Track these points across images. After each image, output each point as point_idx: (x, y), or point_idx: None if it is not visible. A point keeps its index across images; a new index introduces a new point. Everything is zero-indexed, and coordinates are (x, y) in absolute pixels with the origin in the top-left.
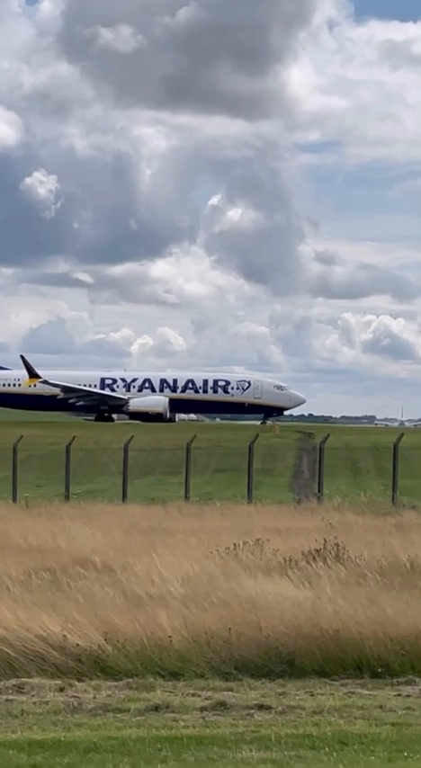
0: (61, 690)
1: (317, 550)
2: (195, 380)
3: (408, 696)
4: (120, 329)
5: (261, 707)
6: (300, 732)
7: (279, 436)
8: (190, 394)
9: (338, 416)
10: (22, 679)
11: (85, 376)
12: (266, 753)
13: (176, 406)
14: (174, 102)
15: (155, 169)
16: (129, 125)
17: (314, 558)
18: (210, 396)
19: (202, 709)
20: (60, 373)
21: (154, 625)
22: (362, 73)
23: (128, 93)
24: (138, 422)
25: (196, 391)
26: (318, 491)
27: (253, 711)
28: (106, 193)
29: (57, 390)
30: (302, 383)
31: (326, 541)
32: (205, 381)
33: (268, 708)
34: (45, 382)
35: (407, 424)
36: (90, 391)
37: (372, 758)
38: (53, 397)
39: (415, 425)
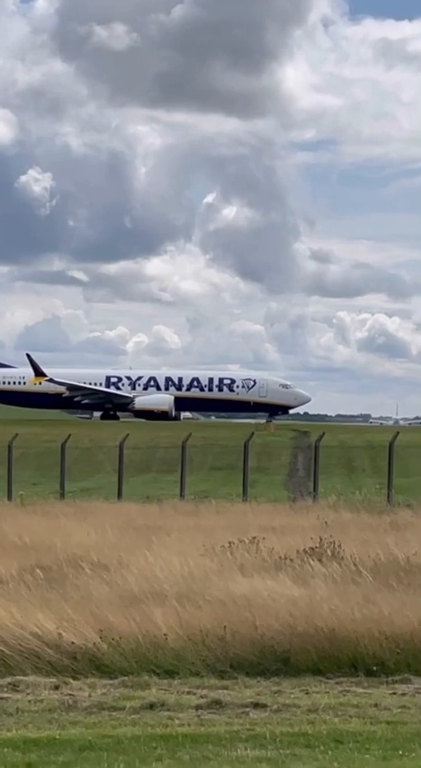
0: (56, 688)
1: (313, 549)
2: (200, 379)
3: (404, 694)
4: (115, 327)
5: (256, 705)
6: (295, 730)
7: (274, 434)
8: (195, 392)
9: (333, 415)
10: (17, 677)
11: (90, 374)
12: (261, 751)
13: (181, 404)
14: (169, 100)
15: (150, 167)
16: (123, 123)
17: (309, 557)
18: (215, 394)
19: (198, 707)
20: (65, 371)
21: (149, 623)
22: (358, 71)
23: (122, 91)
24: (143, 420)
25: (201, 390)
26: (314, 489)
27: (248, 710)
28: (101, 191)
29: (62, 388)
30: (297, 381)
31: (321, 540)
32: (210, 380)
33: (263, 706)
34: (51, 380)
35: (401, 422)
36: (95, 389)
37: (367, 756)
38: (58, 395)
39: (410, 424)
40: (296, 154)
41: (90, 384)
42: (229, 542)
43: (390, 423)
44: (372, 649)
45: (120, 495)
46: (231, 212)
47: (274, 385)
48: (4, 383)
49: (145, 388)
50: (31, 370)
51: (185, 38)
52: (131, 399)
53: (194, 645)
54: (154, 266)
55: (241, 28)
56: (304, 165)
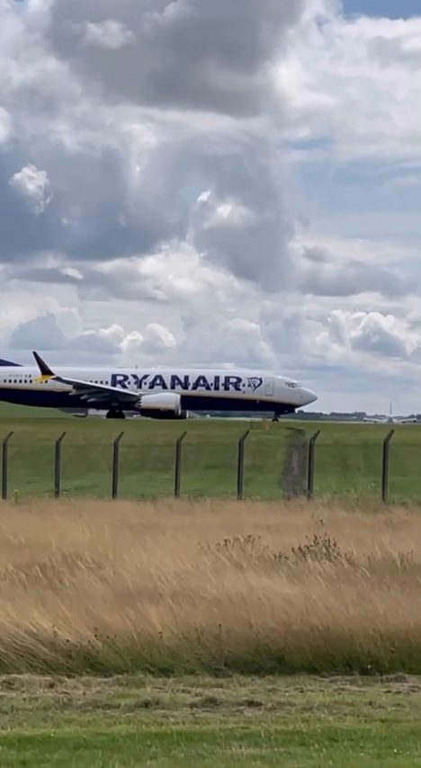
0: (51, 686)
1: (308, 547)
2: (207, 377)
3: (398, 693)
4: (109, 325)
5: (251, 703)
6: (289, 728)
7: (269, 433)
8: (201, 391)
9: (328, 413)
10: (12, 675)
11: (96, 372)
12: (256, 749)
13: (188, 402)
14: (163, 99)
15: (144, 165)
16: (117, 121)
17: (304, 555)
18: (221, 393)
19: (192, 705)
20: (71, 369)
21: (144, 621)
22: (352, 70)
23: (116, 90)
24: (149, 418)
25: (207, 388)
26: (308, 488)
27: (242, 708)
28: (95, 189)
29: (68, 387)
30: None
31: (316, 538)
32: (216, 378)
33: (258, 704)
34: (58, 379)
35: (396, 420)
36: (102, 388)
37: (362, 755)
38: (65, 393)
39: (404, 422)
40: (290, 152)
41: (96, 382)
42: (224, 540)
43: (385, 421)
44: (367, 648)
45: (114, 493)
46: (226, 211)
47: (281, 383)
48: (9, 381)
49: (151, 387)
50: (36, 369)
51: (179, 36)
52: (138, 398)
53: (189, 643)
54: (148, 264)
55: (235, 26)
56: (298, 164)
